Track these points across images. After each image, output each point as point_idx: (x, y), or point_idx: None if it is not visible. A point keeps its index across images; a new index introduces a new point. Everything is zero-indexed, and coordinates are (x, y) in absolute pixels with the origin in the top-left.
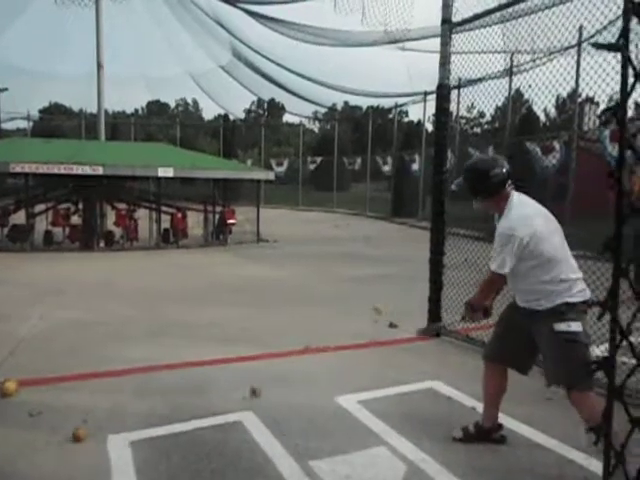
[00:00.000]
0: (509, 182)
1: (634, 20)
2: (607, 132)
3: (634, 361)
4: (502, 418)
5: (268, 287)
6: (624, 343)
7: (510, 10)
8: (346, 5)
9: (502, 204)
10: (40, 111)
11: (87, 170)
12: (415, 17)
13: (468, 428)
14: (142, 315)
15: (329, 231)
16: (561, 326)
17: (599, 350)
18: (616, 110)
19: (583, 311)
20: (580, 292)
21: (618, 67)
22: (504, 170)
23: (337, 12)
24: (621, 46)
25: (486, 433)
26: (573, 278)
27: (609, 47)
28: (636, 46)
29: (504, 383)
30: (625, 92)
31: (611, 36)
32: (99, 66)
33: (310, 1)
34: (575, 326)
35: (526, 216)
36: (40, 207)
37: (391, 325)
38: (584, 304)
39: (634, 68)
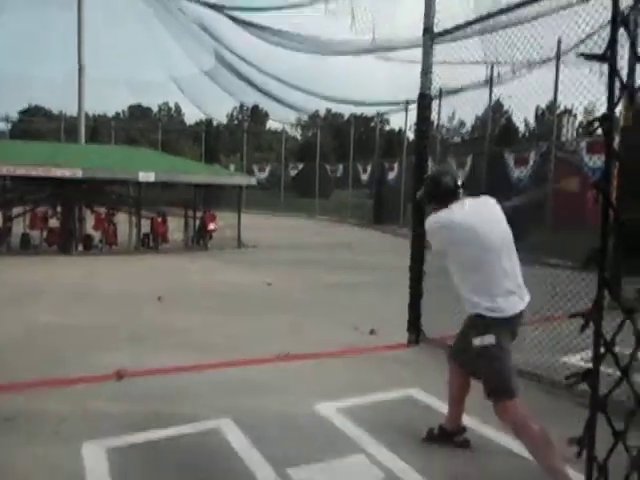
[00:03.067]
0: (460, 192)
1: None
2: (583, 143)
3: (608, 370)
4: (480, 426)
5: (248, 293)
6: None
7: (491, 22)
8: (336, 10)
9: None
10: (19, 113)
11: (66, 173)
12: (399, 27)
13: (433, 430)
14: (120, 320)
15: (310, 237)
16: (475, 341)
17: (575, 359)
18: (603, 121)
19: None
20: (506, 308)
21: (594, 79)
22: (454, 181)
23: (327, 15)
24: (609, 57)
25: (449, 435)
26: (498, 292)
27: (596, 57)
28: (621, 57)
29: (467, 384)
30: (612, 103)
31: (588, 49)
32: (80, 68)
33: (301, 7)
34: (488, 339)
35: (454, 210)
36: (18, 210)
37: (371, 332)
38: (504, 321)
39: (621, 79)
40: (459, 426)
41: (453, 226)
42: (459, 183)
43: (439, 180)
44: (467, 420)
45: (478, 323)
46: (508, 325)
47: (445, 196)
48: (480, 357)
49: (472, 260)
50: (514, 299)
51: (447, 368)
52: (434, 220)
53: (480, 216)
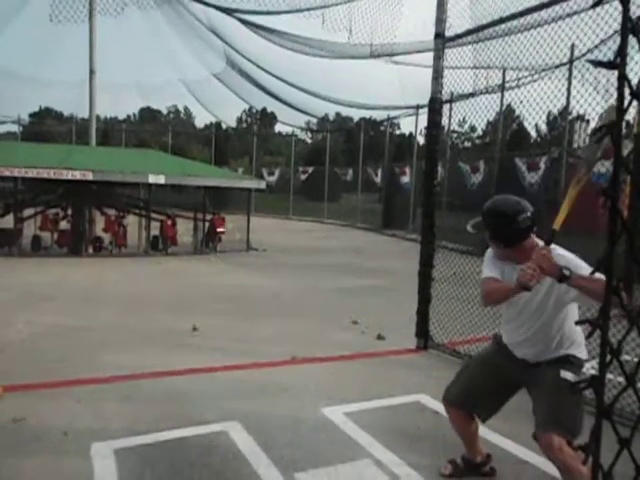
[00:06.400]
0: (535, 227)
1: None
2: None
3: (619, 378)
4: (488, 434)
5: (256, 296)
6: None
7: (503, 26)
8: (334, 22)
9: (527, 253)
10: (31, 115)
11: (77, 175)
12: (403, 32)
13: (456, 462)
14: (129, 322)
15: (319, 241)
16: (570, 376)
17: (584, 367)
18: (611, 128)
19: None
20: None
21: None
22: (530, 214)
23: (325, 29)
24: (618, 64)
25: (476, 467)
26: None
27: (606, 65)
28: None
29: (471, 421)
30: (621, 110)
31: (602, 54)
32: (92, 72)
33: (300, 12)
34: (576, 379)
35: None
36: (29, 212)
37: (379, 337)
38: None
39: (630, 87)
40: (483, 455)
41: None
42: (532, 216)
43: (515, 216)
44: None
45: (574, 362)
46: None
47: (524, 235)
48: (572, 393)
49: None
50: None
51: (454, 375)
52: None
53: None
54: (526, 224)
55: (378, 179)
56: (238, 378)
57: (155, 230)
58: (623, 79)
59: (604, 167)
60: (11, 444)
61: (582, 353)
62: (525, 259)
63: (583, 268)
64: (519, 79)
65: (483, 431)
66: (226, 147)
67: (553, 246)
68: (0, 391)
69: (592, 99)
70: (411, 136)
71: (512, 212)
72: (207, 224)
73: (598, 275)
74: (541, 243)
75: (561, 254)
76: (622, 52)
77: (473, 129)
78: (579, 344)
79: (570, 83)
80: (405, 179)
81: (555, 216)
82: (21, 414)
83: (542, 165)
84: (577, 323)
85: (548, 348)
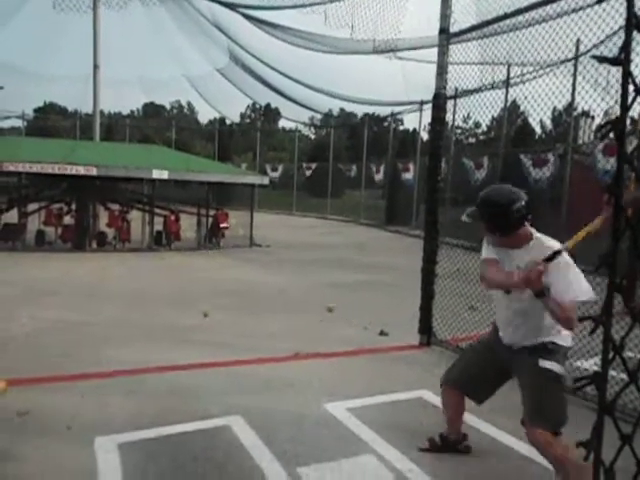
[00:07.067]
0: (529, 216)
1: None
2: (600, 145)
3: (622, 375)
4: (490, 429)
5: (259, 292)
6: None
7: (507, 22)
8: (336, 19)
9: (522, 241)
10: (35, 110)
11: (81, 170)
12: (406, 28)
13: (434, 439)
14: (133, 317)
15: (322, 237)
16: (548, 364)
17: (588, 364)
18: (615, 124)
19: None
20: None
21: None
22: (524, 203)
23: (327, 24)
24: (622, 60)
25: (452, 444)
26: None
27: (610, 61)
28: None
29: (463, 402)
30: (625, 106)
31: (607, 50)
32: (95, 67)
33: (302, 8)
34: (559, 368)
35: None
36: (33, 206)
37: (381, 333)
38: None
39: (634, 83)
40: (460, 434)
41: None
42: (527, 204)
43: (509, 205)
44: (476, 423)
45: (554, 349)
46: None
47: (518, 225)
48: (549, 383)
49: None
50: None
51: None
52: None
53: None
54: (520, 213)
55: (381, 175)
56: (241, 373)
57: (159, 225)
58: (627, 75)
59: (609, 164)
60: (15, 438)
61: (564, 340)
62: (519, 246)
63: (563, 275)
64: (524, 75)
65: (485, 427)
66: (230, 143)
67: (547, 238)
68: (4, 385)
69: (597, 95)
70: (415, 132)
71: (506, 201)
72: (210, 220)
73: (568, 304)
74: (536, 233)
75: (550, 246)
76: (627, 48)
77: (477, 125)
78: (560, 330)
79: (575, 79)
80: (409, 175)
81: (558, 214)
82: (25, 408)
83: (548, 161)
84: (580, 320)
85: (529, 333)
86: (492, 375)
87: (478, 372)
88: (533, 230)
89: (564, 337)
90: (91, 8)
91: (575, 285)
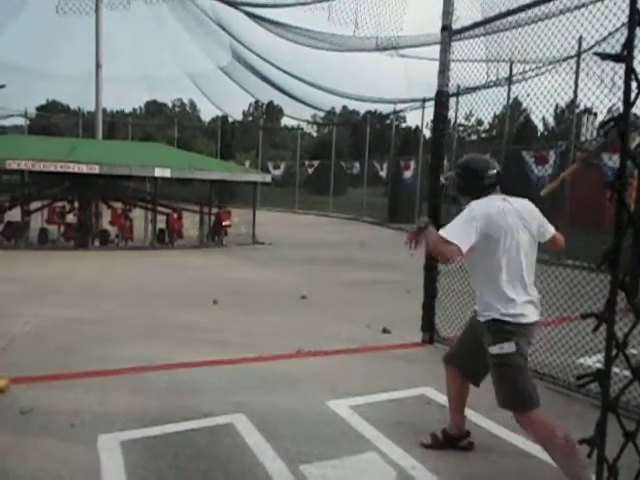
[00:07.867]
0: (498, 186)
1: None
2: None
3: (625, 372)
4: (494, 427)
5: (262, 289)
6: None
7: (510, 19)
8: (340, 15)
9: None
10: (37, 108)
11: (83, 168)
12: (409, 25)
13: (436, 435)
14: (135, 315)
15: (325, 235)
16: (493, 349)
17: (591, 361)
18: (618, 121)
19: (524, 334)
20: (519, 315)
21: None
22: (496, 171)
23: (330, 21)
24: (625, 57)
25: (454, 440)
26: (521, 298)
27: (613, 57)
28: None
29: (465, 387)
30: (628, 103)
31: (610, 47)
32: (98, 65)
33: (305, 5)
34: (508, 347)
35: (489, 204)
36: (35, 205)
37: (384, 331)
38: (524, 328)
39: (637, 79)
40: (462, 430)
41: (490, 219)
42: (498, 174)
43: (483, 171)
44: (477, 419)
45: (497, 329)
46: (527, 332)
47: (488, 190)
48: (499, 366)
49: (500, 261)
50: (533, 308)
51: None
52: (467, 211)
53: (519, 218)
54: (492, 180)
55: (383, 173)
56: (243, 371)
57: (161, 223)
58: (630, 72)
59: (612, 160)
60: (18, 435)
61: (503, 314)
62: None
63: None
64: (526, 72)
65: (488, 424)
66: (232, 141)
67: (516, 199)
68: (8, 383)
69: (600, 92)
70: (417, 129)
71: (482, 167)
72: (213, 218)
73: (435, 237)
74: (509, 199)
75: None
76: (629, 45)
77: (480, 122)
78: (496, 303)
79: (577, 76)
80: (411, 173)
81: (558, 215)
82: (28, 405)
83: (551, 159)
84: (583, 317)
85: (480, 306)
86: (483, 351)
87: (473, 347)
88: (505, 196)
89: (504, 308)
90: (94, 10)
91: (448, 227)
